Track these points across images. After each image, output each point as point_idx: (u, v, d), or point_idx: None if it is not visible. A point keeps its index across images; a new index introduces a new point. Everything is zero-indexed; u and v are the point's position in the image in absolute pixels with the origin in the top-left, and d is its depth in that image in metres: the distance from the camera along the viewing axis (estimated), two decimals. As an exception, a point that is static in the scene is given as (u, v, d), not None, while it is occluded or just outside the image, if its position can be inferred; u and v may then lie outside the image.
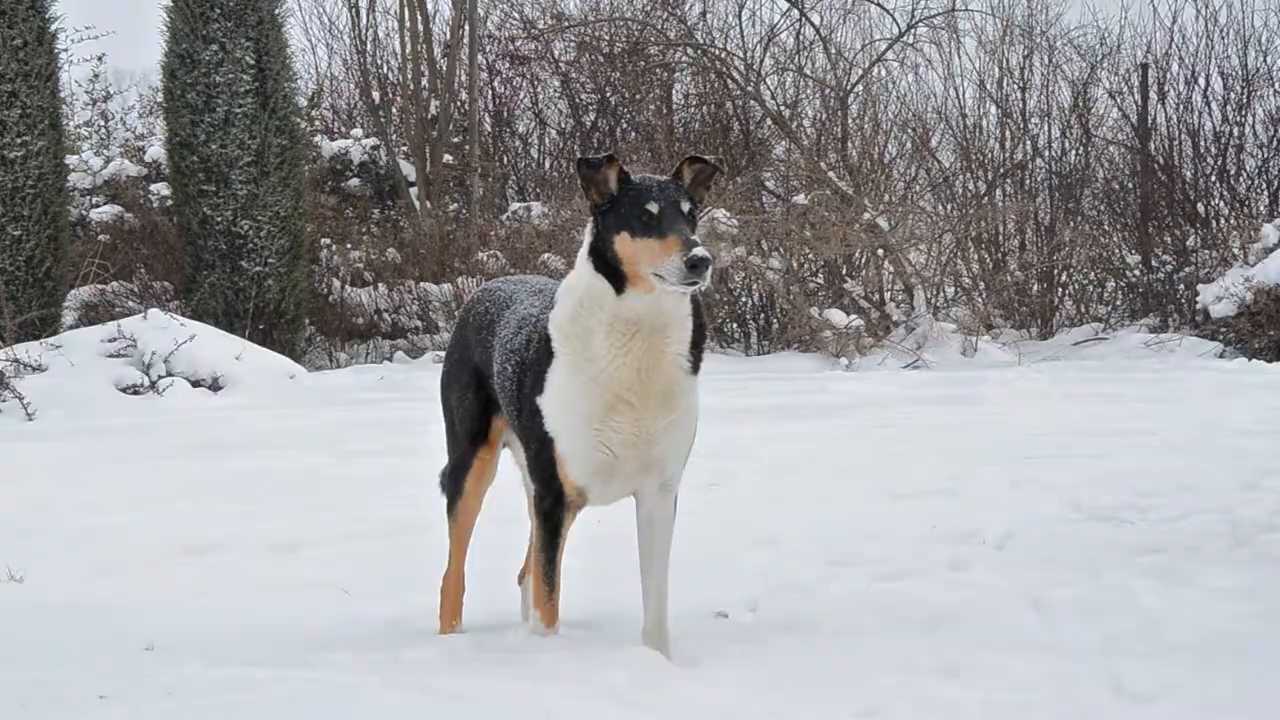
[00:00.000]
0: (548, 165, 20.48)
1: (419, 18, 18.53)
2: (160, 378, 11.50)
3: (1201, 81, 17.60)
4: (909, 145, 19.03)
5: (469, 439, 4.08)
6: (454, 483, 4.12)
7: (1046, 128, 18.51)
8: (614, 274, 3.57)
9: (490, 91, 20.23)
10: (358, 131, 18.71)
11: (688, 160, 3.70)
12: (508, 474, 4.22)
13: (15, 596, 4.76)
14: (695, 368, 3.70)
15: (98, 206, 17.38)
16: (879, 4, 19.00)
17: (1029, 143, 18.45)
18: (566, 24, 19.85)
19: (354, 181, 18.32)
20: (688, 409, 3.71)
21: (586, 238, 3.68)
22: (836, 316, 15.25)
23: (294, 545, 5.58)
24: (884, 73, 19.15)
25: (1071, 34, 18.76)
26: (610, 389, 3.60)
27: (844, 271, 16.66)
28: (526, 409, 3.74)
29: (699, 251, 3.41)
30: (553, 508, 3.73)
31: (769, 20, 19.97)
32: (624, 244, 3.54)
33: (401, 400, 11.07)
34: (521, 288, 4.09)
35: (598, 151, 19.33)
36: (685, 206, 3.56)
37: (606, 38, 19.60)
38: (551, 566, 3.76)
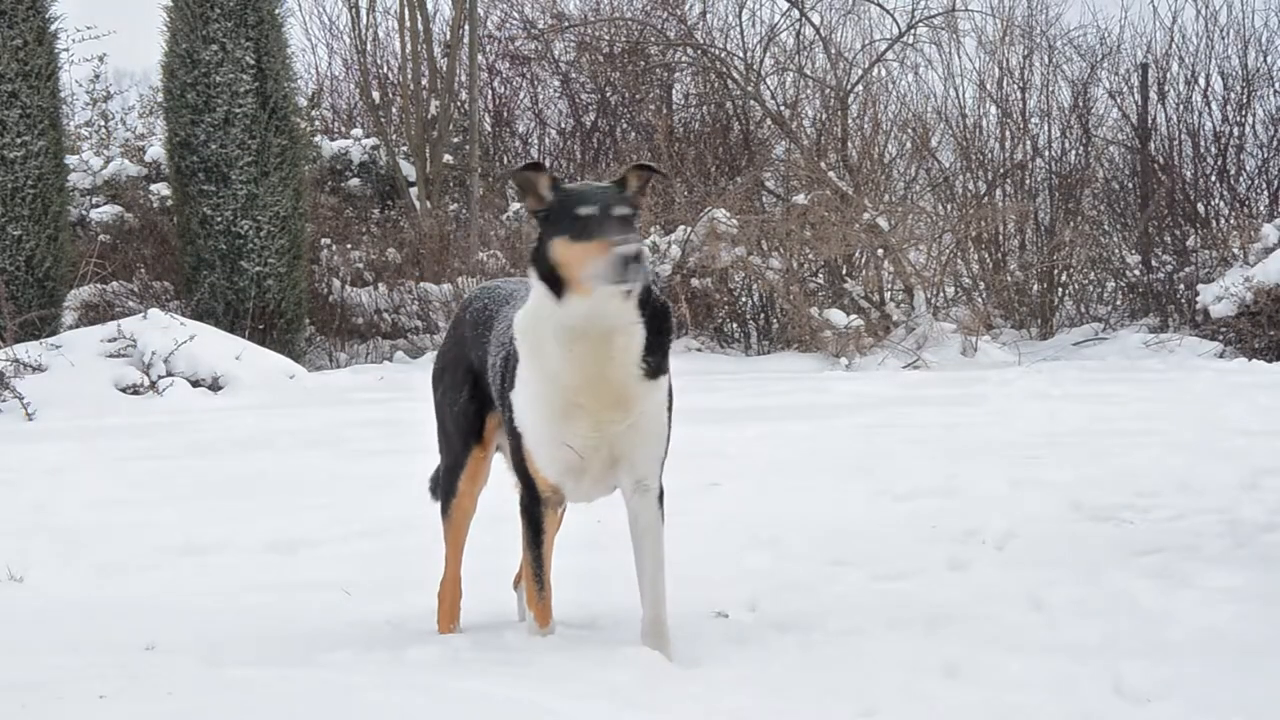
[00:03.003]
0: (548, 165, 20.46)
1: (419, 18, 18.53)
2: (160, 378, 11.50)
3: (1201, 81, 17.62)
4: (909, 145, 19.02)
5: (463, 438, 4.04)
6: (448, 484, 4.08)
7: (1046, 128, 18.51)
8: (554, 280, 3.55)
9: (490, 91, 20.24)
10: (358, 131, 18.71)
11: (634, 168, 3.68)
12: (505, 472, 4.21)
13: (15, 596, 4.76)
14: (654, 372, 3.63)
15: (98, 206, 17.38)
16: (879, 4, 19.01)
17: (1029, 143, 18.44)
18: (566, 24, 19.85)
19: (354, 181, 18.32)
20: (647, 412, 3.66)
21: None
22: (836, 316, 15.26)
23: (294, 545, 5.58)
24: (884, 73, 19.17)
25: (1071, 34, 18.78)
26: (563, 393, 3.60)
27: (844, 271, 16.66)
28: (505, 403, 3.77)
29: (624, 249, 3.36)
30: (532, 503, 3.75)
31: (769, 20, 20.04)
32: (557, 249, 3.52)
33: (401, 400, 11.06)
34: (522, 287, 4.08)
35: (596, 153, 19.38)
36: (620, 211, 3.52)
37: (606, 38, 19.60)
38: (539, 564, 3.76)
